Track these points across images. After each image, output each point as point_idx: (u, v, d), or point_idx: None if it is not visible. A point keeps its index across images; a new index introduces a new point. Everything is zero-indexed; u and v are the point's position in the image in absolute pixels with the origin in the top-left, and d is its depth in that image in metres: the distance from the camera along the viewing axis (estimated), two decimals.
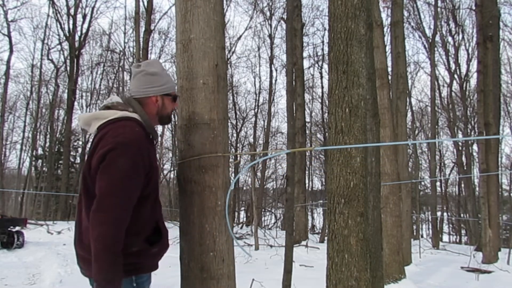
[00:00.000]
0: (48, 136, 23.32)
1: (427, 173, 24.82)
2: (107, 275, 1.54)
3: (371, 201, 3.76)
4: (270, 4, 21.88)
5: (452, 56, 21.23)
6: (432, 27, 20.39)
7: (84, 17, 21.69)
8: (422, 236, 21.48)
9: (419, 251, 10.67)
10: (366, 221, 2.76)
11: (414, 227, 19.40)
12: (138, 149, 1.63)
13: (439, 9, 18.34)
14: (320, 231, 18.37)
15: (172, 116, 1.93)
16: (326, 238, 3.44)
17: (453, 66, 21.26)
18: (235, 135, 23.26)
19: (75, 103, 22.28)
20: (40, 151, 24.42)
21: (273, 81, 22.51)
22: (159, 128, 26.54)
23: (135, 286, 1.73)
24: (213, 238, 1.98)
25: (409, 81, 20.49)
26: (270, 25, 22.51)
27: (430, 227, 23.04)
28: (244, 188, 24.61)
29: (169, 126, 24.84)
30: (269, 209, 22.98)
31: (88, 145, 23.59)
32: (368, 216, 2.83)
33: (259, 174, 22.62)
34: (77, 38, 21.32)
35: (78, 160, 24.01)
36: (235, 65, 23.74)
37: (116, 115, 1.71)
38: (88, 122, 1.78)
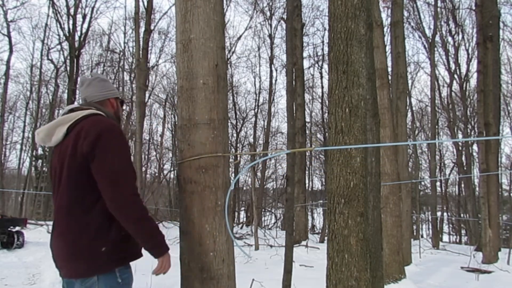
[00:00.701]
0: None
1: (427, 173, 24.83)
2: (158, 235, 1.77)
3: (371, 201, 3.76)
4: (270, 4, 21.88)
5: (452, 56, 21.24)
6: (432, 27, 20.43)
7: (84, 17, 21.68)
8: (422, 236, 21.48)
9: (419, 251, 10.67)
10: (366, 221, 2.76)
11: (414, 227, 19.40)
12: (119, 129, 1.82)
13: (439, 9, 18.34)
14: (320, 231, 18.37)
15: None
16: (326, 238, 3.44)
17: (453, 66, 21.27)
18: (235, 135, 23.26)
19: (75, 103, 22.25)
20: (40, 151, 24.42)
21: (273, 81, 22.52)
22: (158, 130, 26.52)
23: (120, 282, 1.75)
24: (213, 238, 1.98)
25: (409, 81, 20.50)
26: (270, 25, 22.52)
27: (430, 227, 23.04)
28: (244, 188, 24.61)
29: (169, 126, 24.88)
30: (269, 209, 22.98)
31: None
32: (368, 216, 2.83)
33: (259, 174, 22.62)
34: (77, 38, 21.31)
35: None
36: (235, 65, 23.75)
37: (84, 113, 1.82)
38: (50, 132, 1.84)
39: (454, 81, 21.58)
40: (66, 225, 1.73)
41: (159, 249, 1.78)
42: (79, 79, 2.22)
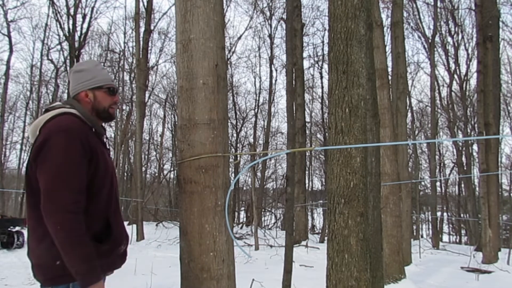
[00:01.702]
0: None
1: (427, 173, 24.83)
2: (83, 262, 1.50)
3: (371, 201, 3.76)
4: (270, 4, 21.87)
5: (452, 56, 21.23)
6: (431, 27, 20.43)
7: (84, 17, 21.68)
8: (422, 236, 21.47)
9: (419, 251, 10.67)
10: (366, 221, 2.76)
11: (414, 227, 19.39)
12: (73, 132, 1.60)
13: (438, 9, 18.34)
14: (320, 231, 18.37)
15: (114, 111, 1.86)
16: (326, 238, 3.44)
17: (453, 66, 21.27)
18: (235, 135, 23.26)
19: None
20: None
21: (273, 81, 22.51)
22: (158, 130, 26.52)
23: None
24: (213, 238, 1.98)
25: (409, 81, 20.51)
26: (270, 25, 22.51)
27: (430, 227, 23.03)
28: (244, 188, 24.61)
29: (169, 126, 24.90)
30: (269, 209, 22.97)
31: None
32: (368, 216, 2.83)
33: (259, 174, 22.62)
34: (77, 38, 21.30)
35: None
36: (235, 65, 23.75)
37: (53, 114, 1.70)
38: (34, 132, 1.72)
39: (454, 81, 21.59)
40: (31, 230, 1.66)
41: (86, 277, 1.51)
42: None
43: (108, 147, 1.92)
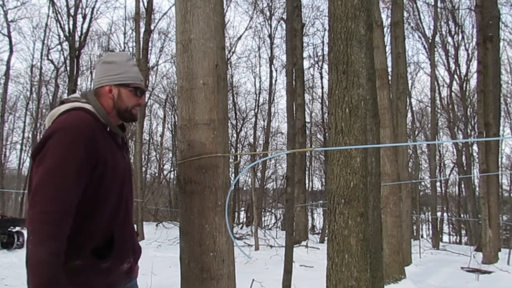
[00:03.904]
0: None
1: (427, 173, 24.83)
2: (40, 279, 1.25)
3: (371, 202, 3.76)
4: (270, 4, 21.88)
5: (452, 56, 21.24)
6: (432, 27, 20.43)
7: (84, 17, 21.68)
8: (422, 237, 21.47)
9: (419, 252, 10.67)
10: (366, 222, 2.76)
11: (414, 227, 19.39)
12: (78, 133, 1.40)
13: (439, 9, 18.34)
14: (320, 231, 18.36)
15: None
16: (326, 238, 3.43)
17: (453, 66, 21.28)
18: (235, 135, 23.26)
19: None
20: None
21: (273, 81, 22.52)
22: (158, 130, 26.52)
23: None
24: (213, 239, 1.98)
25: (409, 82, 20.51)
26: (270, 25, 22.52)
27: (430, 227, 23.02)
28: (244, 188, 24.61)
29: (169, 126, 24.91)
30: (269, 209, 22.98)
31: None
32: (368, 217, 2.83)
33: (259, 174, 22.62)
34: (77, 38, 21.31)
35: None
36: (235, 65, 23.75)
37: (65, 108, 1.52)
38: (48, 124, 1.56)
39: (454, 81, 21.60)
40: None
41: None
42: None
43: (126, 148, 1.73)
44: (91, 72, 24.65)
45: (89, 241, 1.44)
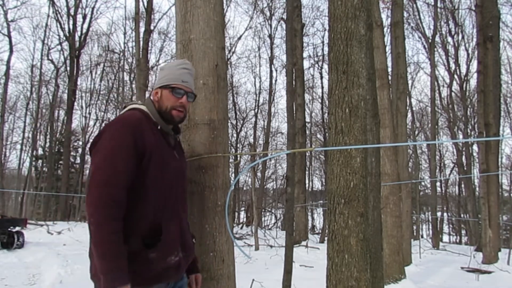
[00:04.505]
0: (48, 136, 23.33)
1: (427, 173, 24.83)
2: (106, 260, 1.38)
3: (371, 202, 3.76)
4: (270, 4, 21.89)
5: (452, 56, 21.25)
6: (432, 27, 20.43)
7: (84, 17, 21.71)
8: (422, 237, 21.48)
9: (419, 252, 10.67)
10: (366, 222, 2.76)
11: (414, 227, 19.40)
12: (127, 124, 1.54)
13: (438, 9, 18.34)
14: (320, 231, 18.37)
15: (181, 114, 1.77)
16: (326, 238, 3.44)
17: (453, 66, 21.28)
18: (235, 135, 23.27)
19: (75, 103, 22.31)
20: (40, 152, 24.44)
21: (273, 81, 22.54)
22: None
23: None
24: (213, 239, 1.98)
25: (409, 82, 20.51)
26: (270, 25, 22.53)
27: (430, 227, 23.03)
28: (244, 188, 24.62)
29: None
30: (269, 209, 22.98)
31: (88, 146, 23.57)
32: (368, 217, 2.83)
33: (259, 174, 22.63)
34: (77, 38, 21.33)
35: (78, 160, 24.03)
36: (235, 65, 23.76)
37: (124, 110, 1.71)
38: None
39: (454, 81, 21.60)
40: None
41: (108, 277, 1.37)
42: None
43: (179, 148, 1.80)
44: (90, 72, 24.68)
45: (137, 229, 1.51)
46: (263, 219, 22.40)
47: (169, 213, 1.63)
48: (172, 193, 1.65)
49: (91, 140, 1.61)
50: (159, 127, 1.67)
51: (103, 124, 23.96)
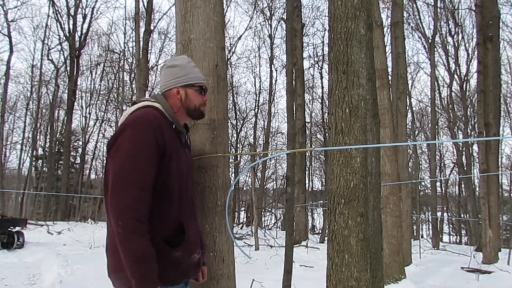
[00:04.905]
0: (48, 136, 23.34)
1: (427, 173, 24.83)
2: (137, 263, 1.39)
3: (371, 202, 3.76)
4: (270, 4, 21.90)
5: (452, 56, 21.25)
6: (431, 27, 20.44)
7: (84, 17, 21.72)
8: (422, 237, 21.48)
9: (419, 252, 10.67)
10: (366, 222, 2.76)
11: (414, 227, 19.40)
12: (148, 124, 1.51)
13: (438, 9, 18.33)
14: (320, 231, 18.37)
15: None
16: (326, 238, 3.43)
17: (453, 66, 21.28)
18: (235, 135, 23.27)
19: (75, 103, 22.31)
20: (40, 152, 24.44)
21: (273, 82, 22.54)
22: None
23: None
24: (213, 239, 1.98)
25: (409, 82, 20.51)
26: (270, 25, 22.54)
27: (430, 227, 23.03)
28: (244, 188, 24.61)
29: None
30: (269, 210, 22.98)
31: (89, 146, 23.53)
32: (368, 217, 2.83)
33: (259, 174, 22.62)
34: (77, 38, 21.34)
35: (78, 160, 24.04)
36: (235, 65, 23.76)
37: (136, 107, 1.65)
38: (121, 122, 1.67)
39: (454, 82, 21.61)
40: (110, 227, 1.54)
41: (140, 281, 1.39)
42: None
43: (188, 147, 1.82)
44: (90, 72, 24.68)
45: (161, 229, 1.52)
46: (263, 219, 22.40)
47: (189, 211, 1.66)
48: (188, 191, 1.68)
49: (106, 140, 1.51)
50: (173, 126, 1.67)
51: (103, 123, 23.98)
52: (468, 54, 20.84)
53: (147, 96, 1.83)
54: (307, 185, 20.01)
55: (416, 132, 25.08)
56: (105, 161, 1.64)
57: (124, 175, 1.44)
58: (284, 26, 17.84)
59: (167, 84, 1.76)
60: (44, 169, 23.32)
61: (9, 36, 20.78)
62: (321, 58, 22.32)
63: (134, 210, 1.41)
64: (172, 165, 1.56)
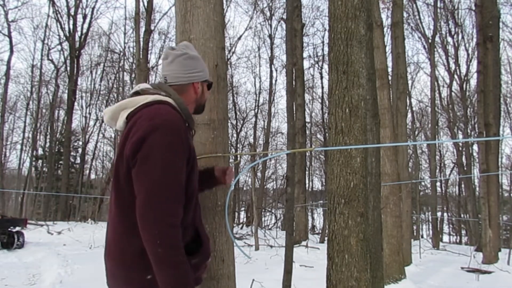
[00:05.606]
0: (48, 136, 23.35)
1: (427, 173, 24.84)
2: (181, 281, 1.30)
3: (371, 202, 3.76)
4: (270, 4, 21.91)
5: (452, 56, 21.25)
6: (431, 27, 20.43)
7: (84, 17, 21.72)
8: (422, 237, 21.48)
9: (419, 252, 10.67)
10: (366, 222, 2.76)
11: (414, 227, 19.41)
12: (177, 130, 1.38)
13: (438, 9, 18.34)
14: (320, 231, 18.37)
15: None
16: (326, 238, 3.43)
17: (453, 66, 21.29)
18: (235, 135, 23.27)
19: (75, 103, 22.32)
20: (40, 152, 24.45)
21: (273, 82, 22.55)
22: None
23: None
24: (213, 239, 1.98)
25: (409, 82, 20.52)
26: (270, 25, 22.55)
27: (430, 227, 23.03)
28: (244, 188, 24.62)
29: None
30: (269, 210, 22.98)
31: (89, 146, 23.52)
32: (368, 217, 2.83)
33: (259, 174, 22.63)
34: (77, 38, 21.34)
35: (78, 160, 24.03)
36: (235, 65, 23.77)
37: (148, 99, 1.46)
38: (115, 116, 1.51)
39: (454, 82, 21.61)
40: (112, 240, 1.45)
41: None
42: (164, 49, 1.87)
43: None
44: (91, 72, 24.67)
45: (183, 237, 1.40)
46: (263, 219, 22.40)
47: (200, 216, 1.60)
48: (197, 194, 1.59)
49: (131, 142, 1.37)
50: (187, 124, 1.53)
51: (103, 123, 23.96)
52: (468, 54, 20.86)
53: (147, 85, 1.65)
54: (307, 185, 20.01)
55: (416, 132, 25.09)
56: (114, 160, 1.54)
57: (160, 187, 1.31)
58: (284, 26, 17.83)
59: (188, 77, 1.59)
60: (44, 169, 23.32)
61: (9, 36, 20.79)
62: (321, 58, 22.35)
63: (173, 228, 1.31)
64: (193, 170, 1.48)
